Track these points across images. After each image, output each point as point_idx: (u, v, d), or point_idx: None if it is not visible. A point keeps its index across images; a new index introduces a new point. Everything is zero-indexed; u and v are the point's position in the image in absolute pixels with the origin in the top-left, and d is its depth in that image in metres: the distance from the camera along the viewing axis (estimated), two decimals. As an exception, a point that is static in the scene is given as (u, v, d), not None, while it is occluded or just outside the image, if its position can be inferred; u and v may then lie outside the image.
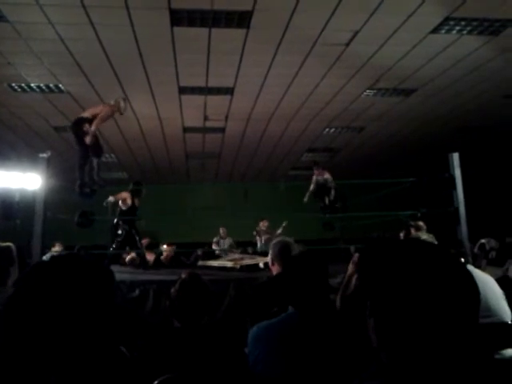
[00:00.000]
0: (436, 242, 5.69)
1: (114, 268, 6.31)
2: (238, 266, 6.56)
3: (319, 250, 7.54)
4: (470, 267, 3.17)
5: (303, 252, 2.75)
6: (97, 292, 0.99)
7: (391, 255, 0.93)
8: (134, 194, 7.36)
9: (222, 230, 10.25)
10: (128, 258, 8.16)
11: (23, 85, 7.49)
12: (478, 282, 0.89)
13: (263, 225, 10.10)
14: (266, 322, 2.15)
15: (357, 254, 2.58)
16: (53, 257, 1.05)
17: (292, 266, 2.29)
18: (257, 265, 6.82)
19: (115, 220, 7.38)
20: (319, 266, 2.24)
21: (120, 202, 7.26)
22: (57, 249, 7.88)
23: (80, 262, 1.03)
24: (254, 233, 10.17)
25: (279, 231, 9.75)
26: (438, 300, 0.84)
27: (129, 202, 7.22)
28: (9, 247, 3.04)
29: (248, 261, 6.89)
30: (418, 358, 0.83)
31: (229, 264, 6.75)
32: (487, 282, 3.04)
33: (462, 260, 3.13)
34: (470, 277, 0.89)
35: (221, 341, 2.18)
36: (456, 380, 0.82)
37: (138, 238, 7.34)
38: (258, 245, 9.95)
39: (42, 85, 7.54)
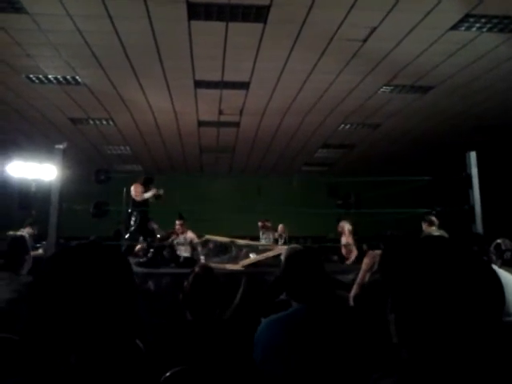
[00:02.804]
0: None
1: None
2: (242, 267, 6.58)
3: (319, 247, 7.72)
4: (494, 266, 3.13)
5: (298, 250, 2.86)
6: (119, 277, 1.03)
7: (413, 252, 0.93)
8: (146, 184, 7.45)
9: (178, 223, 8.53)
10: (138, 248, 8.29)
11: (41, 76, 7.55)
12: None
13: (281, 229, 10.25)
14: (274, 317, 2.16)
15: (371, 252, 2.59)
16: (78, 243, 1.09)
17: (288, 264, 2.33)
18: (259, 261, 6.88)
19: (129, 211, 7.50)
20: (313, 262, 2.29)
21: (134, 194, 7.34)
22: (28, 230, 7.81)
23: (102, 249, 1.07)
24: (276, 234, 10.27)
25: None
26: (461, 297, 0.84)
27: (144, 195, 7.32)
28: (22, 236, 3.11)
29: (248, 260, 6.87)
30: (439, 355, 0.83)
31: (231, 267, 6.67)
32: (509, 283, 3.00)
33: (484, 258, 3.10)
34: (494, 274, 0.88)
35: (232, 334, 2.20)
36: (476, 378, 0.82)
37: (153, 228, 7.44)
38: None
39: (59, 76, 7.59)
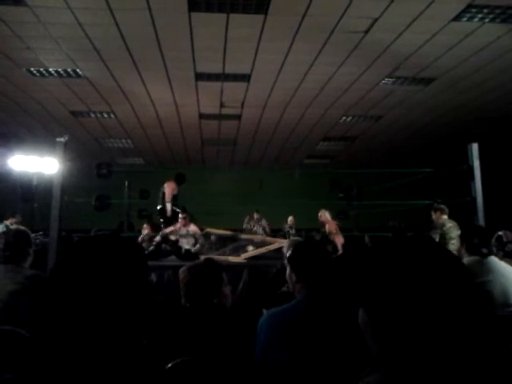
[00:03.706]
0: (459, 228, 5.68)
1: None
2: (243, 260, 6.58)
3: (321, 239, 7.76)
4: (495, 258, 3.13)
5: (303, 242, 2.92)
6: (134, 266, 1.04)
7: (381, 256, 0.93)
8: (179, 182, 7.99)
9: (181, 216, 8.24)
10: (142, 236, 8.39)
11: (41, 69, 7.54)
12: (499, 273, 0.89)
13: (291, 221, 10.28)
14: (277, 309, 2.17)
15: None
16: (96, 235, 1.11)
17: (295, 253, 2.39)
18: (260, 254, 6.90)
19: (159, 206, 7.82)
20: (318, 252, 2.33)
21: (167, 191, 7.65)
22: (11, 221, 7.85)
23: (120, 239, 1.09)
24: (286, 226, 10.30)
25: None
26: (434, 293, 0.83)
27: (176, 190, 7.85)
28: (25, 230, 3.12)
29: (250, 253, 6.87)
30: (418, 352, 0.83)
31: (233, 260, 6.67)
32: (509, 274, 2.99)
33: (485, 250, 3.10)
34: (462, 267, 0.88)
35: (234, 325, 2.21)
36: (460, 373, 0.81)
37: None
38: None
39: (60, 69, 7.57)
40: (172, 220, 7.81)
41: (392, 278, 0.87)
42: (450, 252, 0.92)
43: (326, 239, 8.16)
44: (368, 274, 0.92)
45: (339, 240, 8.06)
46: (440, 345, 0.82)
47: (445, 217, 6.15)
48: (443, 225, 5.97)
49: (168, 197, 7.72)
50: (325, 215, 8.32)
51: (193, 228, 7.97)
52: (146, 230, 9.74)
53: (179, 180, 8.12)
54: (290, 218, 10.34)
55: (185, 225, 8.01)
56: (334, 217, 8.49)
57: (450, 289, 0.85)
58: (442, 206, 6.23)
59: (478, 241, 3.14)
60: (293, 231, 10.13)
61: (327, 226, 8.29)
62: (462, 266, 0.89)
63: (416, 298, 0.84)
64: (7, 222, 7.30)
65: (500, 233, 4.61)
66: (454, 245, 5.75)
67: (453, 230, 5.87)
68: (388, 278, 0.88)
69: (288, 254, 2.53)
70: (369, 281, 0.91)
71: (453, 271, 0.87)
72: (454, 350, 0.82)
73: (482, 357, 0.83)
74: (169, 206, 7.79)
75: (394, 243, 0.96)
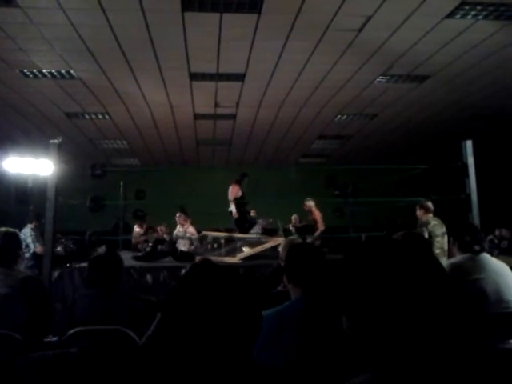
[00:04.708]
0: (444, 226, 5.67)
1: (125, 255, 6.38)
2: (239, 260, 6.57)
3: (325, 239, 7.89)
4: (487, 255, 3.13)
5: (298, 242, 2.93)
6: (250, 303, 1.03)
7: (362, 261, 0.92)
8: (240, 183, 8.10)
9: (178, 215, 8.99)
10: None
11: (35, 71, 7.51)
12: (492, 271, 0.88)
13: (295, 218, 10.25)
14: (272, 310, 2.16)
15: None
16: (219, 266, 1.07)
17: (292, 255, 2.38)
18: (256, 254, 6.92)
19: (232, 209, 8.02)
20: (314, 253, 2.33)
21: (230, 195, 7.98)
22: (35, 224, 7.61)
23: (237, 274, 1.07)
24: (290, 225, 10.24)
25: None
26: (416, 296, 0.83)
27: (240, 192, 7.92)
28: (15, 232, 3.10)
29: (245, 253, 6.87)
30: (397, 355, 0.82)
31: (229, 261, 6.68)
32: (501, 271, 2.99)
33: (477, 247, 3.10)
34: (442, 270, 0.88)
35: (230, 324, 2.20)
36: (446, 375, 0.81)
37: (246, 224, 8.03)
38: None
39: (53, 71, 7.54)
40: (242, 221, 7.95)
41: (370, 283, 0.87)
42: (429, 255, 0.92)
43: (312, 227, 8.34)
44: (347, 282, 0.92)
45: (321, 224, 8.38)
46: (423, 346, 0.82)
47: (430, 215, 6.10)
48: (427, 223, 5.93)
49: (230, 197, 7.87)
50: (309, 204, 8.56)
51: (190, 230, 7.99)
52: (137, 229, 9.74)
53: (240, 180, 8.18)
54: (294, 216, 10.23)
55: (183, 224, 8.02)
56: (319, 207, 8.68)
57: (428, 292, 0.84)
58: (428, 204, 6.15)
59: (469, 238, 3.12)
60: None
61: (313, 215, 8.53)
62: (440, 269, 0.88)
63: (394, 301, 0.84)
64: (31, 226, 7.10)
65: (496, 232, 4.64)
66: (438, 243, 5.71)
67: (437, 228, 5.84)
68: (366, 283, 0.88)
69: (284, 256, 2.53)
70: (348, 288, 0.91)
71: (430, 275, 0.86)
72: (436, 350, 0.82)
73: (464, 355, 0.83)
74: (233, 207, 7.87)
75: (373, 248, 0.95)
